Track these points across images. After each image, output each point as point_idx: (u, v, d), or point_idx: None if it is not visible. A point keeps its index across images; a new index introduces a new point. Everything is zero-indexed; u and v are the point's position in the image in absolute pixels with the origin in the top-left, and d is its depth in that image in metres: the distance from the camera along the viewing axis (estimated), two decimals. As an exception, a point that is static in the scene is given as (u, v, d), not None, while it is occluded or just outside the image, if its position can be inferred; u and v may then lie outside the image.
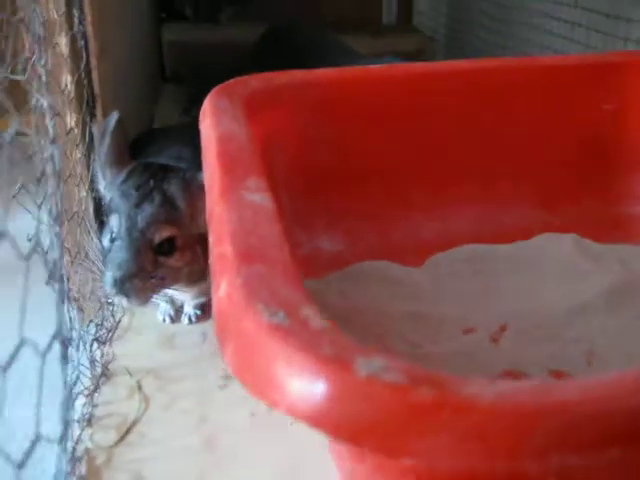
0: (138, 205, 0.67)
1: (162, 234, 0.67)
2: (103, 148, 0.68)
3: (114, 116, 0.68)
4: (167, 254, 0.67)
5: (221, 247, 0.38)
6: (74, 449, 0.57)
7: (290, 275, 0.36)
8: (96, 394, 0.64)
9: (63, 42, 0.68)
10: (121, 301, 0.67)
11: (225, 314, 0.33)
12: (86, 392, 0.63)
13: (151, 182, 0.69)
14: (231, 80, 0.68)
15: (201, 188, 0.62)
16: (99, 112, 0.73)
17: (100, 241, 0.71)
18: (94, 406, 0.63)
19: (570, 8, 1.05)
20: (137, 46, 1.15)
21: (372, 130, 0.75)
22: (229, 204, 0.42)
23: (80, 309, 0.65)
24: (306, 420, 0.28)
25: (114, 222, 0.67)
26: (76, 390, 0.61)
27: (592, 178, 0.79)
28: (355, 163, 0.75)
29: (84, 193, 0.73)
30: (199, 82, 0.82)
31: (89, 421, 0.62)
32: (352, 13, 1.55)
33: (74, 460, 0.57)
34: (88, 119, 0.72)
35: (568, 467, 0.27)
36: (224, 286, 0.35)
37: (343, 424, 0.27)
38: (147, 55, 1.29)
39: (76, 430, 0.60)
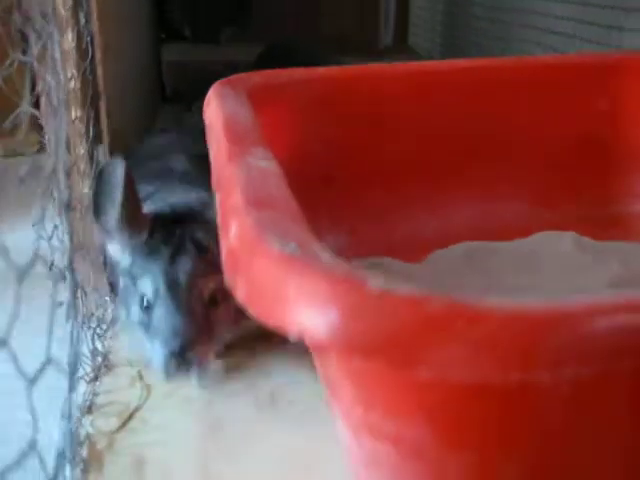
0: (174, 259, 0.59)
1: (209, 285, 0.59)
2: (114, 207, 0.58)
3: (119, 165, 0.58)
4: (214, 308, 0.60)
5: (230, 200, 0.38)
6: (75, 431, 0.57)
7: (299, 221, 0.36)
8: (97, 383, 0.64)
9: (69, 37, 0.69)
10: (184, 377, 0.57)
11: (235, 252, 0.34)
12: (87, 378, 0.63)
13: (177, 231, 0.61)
14: (233, 75, 0.69)
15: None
16: (103, 109, 0.74)
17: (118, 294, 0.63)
18: (95, 395, 0.63)
19: (564, 21, 1.07)
20: (138, 64, 1.17)
21: (372, 129, 0.76)
22: (237, 167, 0.43)
23: (84, 293, 0.65)
24: (321, 341, 0.28)
25: (146, 286, 0.59)
26: (78, 375, 0.61)
27: (590, 177, 0.80)
28: (356, 161, 0.76)
29: (86, 189, 0.73)
30: (199, 99, 0.83)
31: (90, 408, 0.62)
32: (349, 35, 1.58)
33: (75, 444, 0.56)
34: (92, 115, 0.72)
35: (581, 378, 0.27)
36: (234, 229, 0.35)
37: (358, 341, 0.27)
38: (147, 74, 1.30)
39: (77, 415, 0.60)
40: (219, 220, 0.39)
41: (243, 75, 0.70)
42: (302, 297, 0.29)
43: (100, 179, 0.59)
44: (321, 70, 0.75)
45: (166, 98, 1.45)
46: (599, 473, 0.34)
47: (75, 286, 0.62)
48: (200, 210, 0.62)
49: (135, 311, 0.60)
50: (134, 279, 0.60)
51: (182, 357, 0.56)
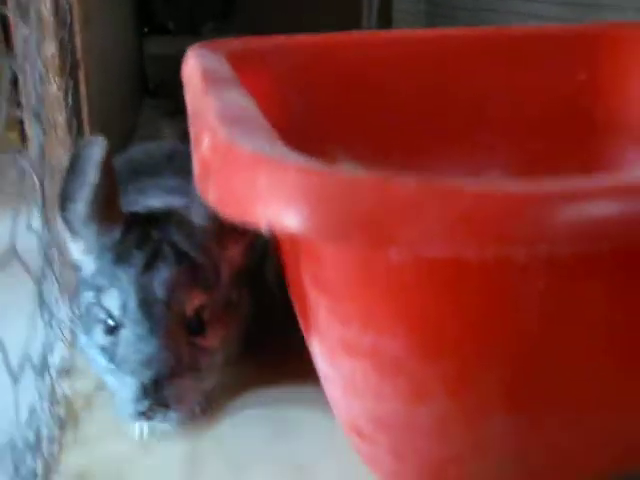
0: (149, 267, 0.47)
1: (194, 302, 0.48)
2: (85, 191, 0.48)
3: (99, 144, 0.48)
4: (198, 332, 0.48)
5: (203, 122, 0.38)
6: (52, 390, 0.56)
7: (273, 135, 0.35)
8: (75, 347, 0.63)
9: (47, 4, 0.68)
10: (153, 424, 0.47)
11: (207, 160, 0.33)
12: (66, 342, 0.62)
13: (153, 233, 0.49)
14: (211, 40, 0.69)
15: (209, 234, 0.49)
16: (82, 78, 0.74)
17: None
18: (73, 359, 0.62)
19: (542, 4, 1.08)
20: (120, 52, 1.16)
21: (354, 96, 0.75)
22: (212, 98, 0.42)
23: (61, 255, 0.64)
24: (294, 228, 0.28)
25: (112, 301, 0.47)
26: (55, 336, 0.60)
27: (572, 147, 0.80)
28: (337, 128, 0.75)
29: (65, 159, 0.73)
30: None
31: (67, 371, 0.61)
32: (331, 27, 1.57)
33: (53, 403, 0.56)
34: (71, 84, 0.72)
35: (557, 260, 0.27)
36: (206, 141, 0.34)
37: (331, 225, 0.27)
38: (129, 66, 1.30)
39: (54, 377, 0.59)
40: (192, 140, 0.38)
41: (221, 40, 0.69)
42: (273, 189, 0.28)
43: (74, 161, 0.49)
44: (302, 37, 0.74)
45: (149, 92, 1.45)
46: (579, 375, 0.33)
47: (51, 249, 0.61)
48: (181, 212, 0.51)
49: (97, 334, 0.48)
50: (97, 292, 0.48)
51: (156, 393, 0.44)
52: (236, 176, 0.30)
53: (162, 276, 0.47)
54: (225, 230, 0.49)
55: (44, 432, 0.52)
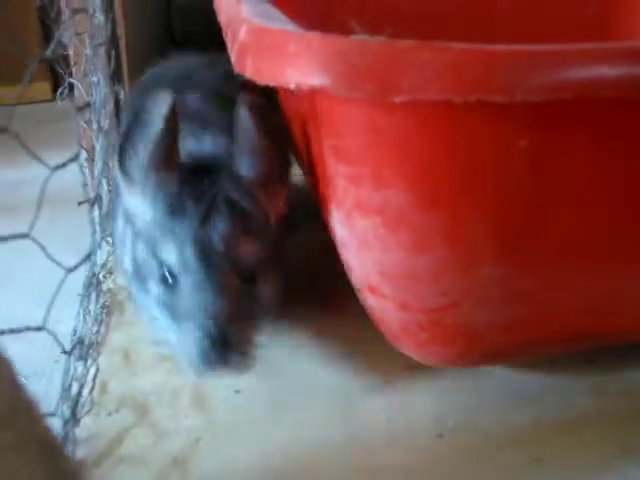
0: (206, 220, 0.48)
1: (247, 250, 0.48)
2: (148, 143, 0.48)
3: (165, 98, 0.48)
4: (250, 281, 0.49)
5: (239, 20, 0.44)
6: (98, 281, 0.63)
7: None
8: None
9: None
10: (219, 372, 0.46)
11: (244, 43, 0.40)
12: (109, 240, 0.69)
13: (207, 187, 0.49)
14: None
15: (257, 184, 0.50)
16: (119, 13, 0.79)
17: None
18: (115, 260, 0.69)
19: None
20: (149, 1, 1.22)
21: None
22: (245, 3, 0.48)
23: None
24: (317, 83, 0.34)
25: (169, 253, 0.47)
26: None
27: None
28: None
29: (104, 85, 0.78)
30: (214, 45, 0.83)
31: (111, 268, 0.68)
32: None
33: (98, 292, 0.63)
34: (110, 17, 0.78)
35: (531, 102, 0.33)
36: (243, 30, 0.41)
37: (348, 75, 0.33)
38: (157, 12, 1.36)
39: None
40: (228, 44, 0.44)
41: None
42: (299, 54, 0.35)
43: (139, 114, 0.49)
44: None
45: (176, 42, 1.50)
46: (561, 228, 0.39)
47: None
48: (227, 162, 0.51)
49: (153, 287, 0.48)
50: (153, 244, 0.48)
51: (222, 342, 0.44)
52: (269, 48, 0.37)
53: (219, 229, 0.47)
54: (269, 180, 0.51)
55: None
